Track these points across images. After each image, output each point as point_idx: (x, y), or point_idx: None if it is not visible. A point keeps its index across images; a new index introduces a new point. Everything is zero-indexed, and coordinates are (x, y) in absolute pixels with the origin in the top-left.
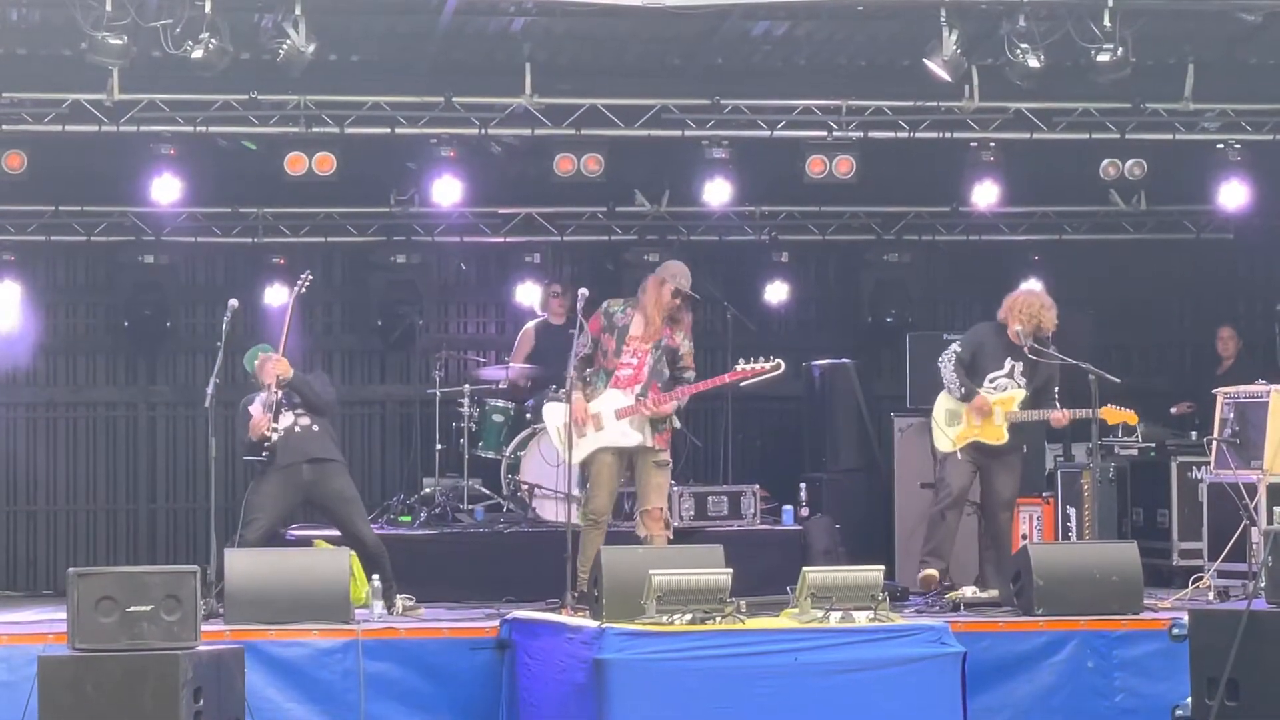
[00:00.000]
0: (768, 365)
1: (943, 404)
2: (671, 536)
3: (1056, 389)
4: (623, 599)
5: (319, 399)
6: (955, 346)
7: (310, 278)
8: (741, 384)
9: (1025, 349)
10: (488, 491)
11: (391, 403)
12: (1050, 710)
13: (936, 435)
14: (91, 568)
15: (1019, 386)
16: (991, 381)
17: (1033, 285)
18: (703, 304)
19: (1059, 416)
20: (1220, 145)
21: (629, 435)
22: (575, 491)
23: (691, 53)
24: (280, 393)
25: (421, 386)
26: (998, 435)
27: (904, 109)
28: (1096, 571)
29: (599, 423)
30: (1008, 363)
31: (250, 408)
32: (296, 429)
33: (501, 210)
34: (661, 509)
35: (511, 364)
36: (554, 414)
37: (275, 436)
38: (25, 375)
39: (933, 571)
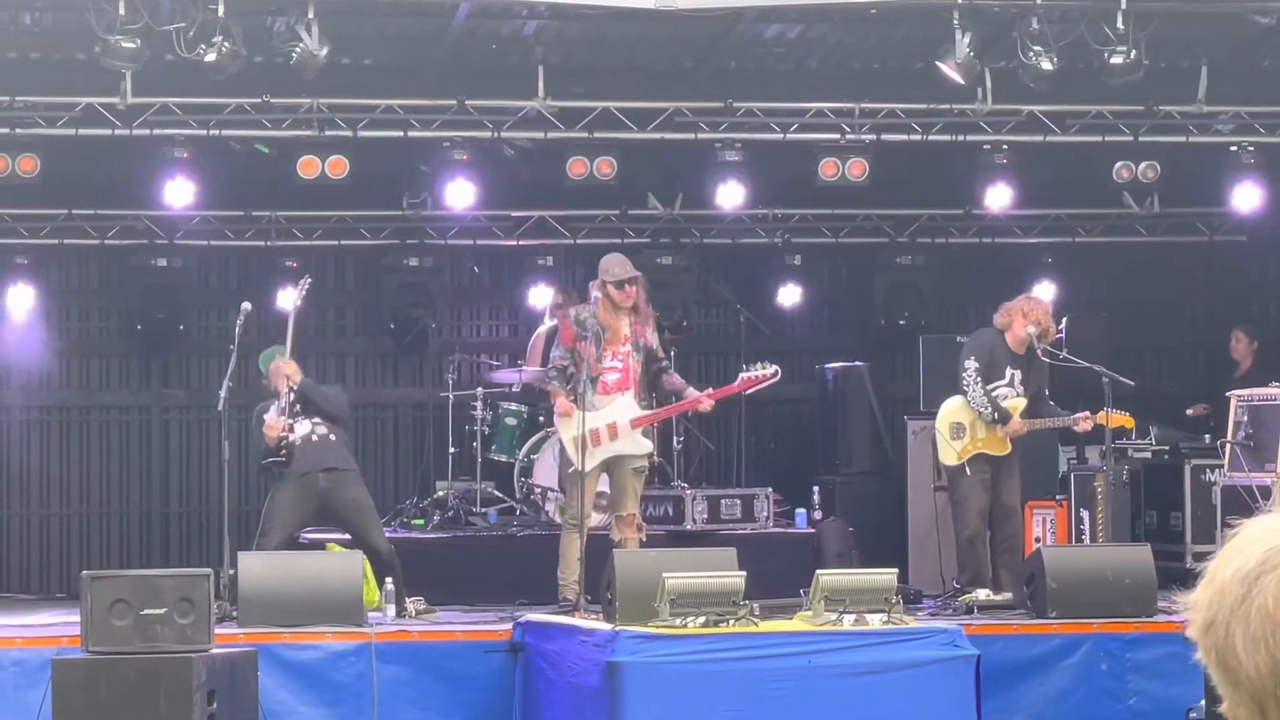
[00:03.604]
0: (767, 373)
1: (946, 417)
2: (644, 539)
3: (1047, 391)
4: (636, 602)
5: (329, 406)
6: (971, 363)
7: (310, 281)
8: (746, 392)
9: (1039, 351)
10: (500, 495)
11: (404, 406)
12: (1063, 713)
13: (941, 447)
14: (105, 571)
15: (1018, 395)
16: (994, 391)
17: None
18: (716, 308)
19: (1085, 424)
20: (1234, 148)
21: (642, 444)
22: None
23: (704, 55)
24: (292, 397)
25: (434, 390)
26: (1002, 446)
27: (917, 111)
28: (1110, 574)
29: (615, 432)
30: (1008, 371)
31: (265, 415)
32: (314, 438)
33: (514, 213)
34: (635, 514)
35: (526, 367)
36: (568, 425)
37: (291, 437)
38: (38, 378)
39: (977, 594)
